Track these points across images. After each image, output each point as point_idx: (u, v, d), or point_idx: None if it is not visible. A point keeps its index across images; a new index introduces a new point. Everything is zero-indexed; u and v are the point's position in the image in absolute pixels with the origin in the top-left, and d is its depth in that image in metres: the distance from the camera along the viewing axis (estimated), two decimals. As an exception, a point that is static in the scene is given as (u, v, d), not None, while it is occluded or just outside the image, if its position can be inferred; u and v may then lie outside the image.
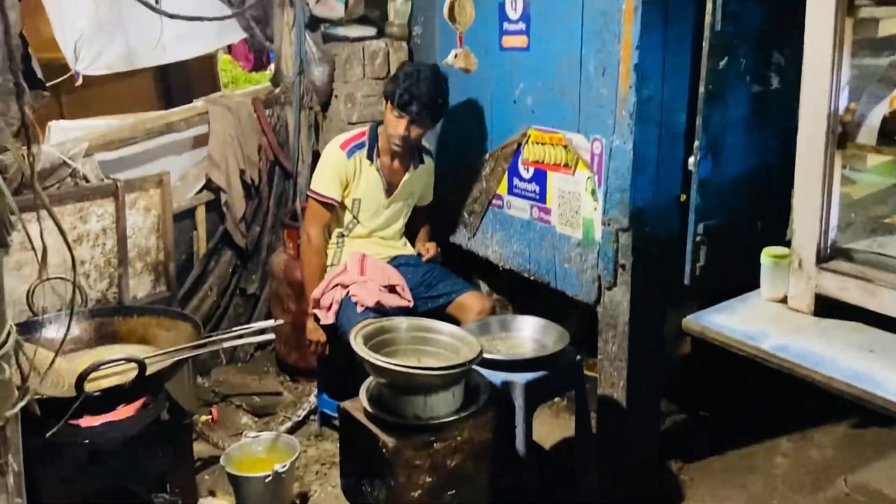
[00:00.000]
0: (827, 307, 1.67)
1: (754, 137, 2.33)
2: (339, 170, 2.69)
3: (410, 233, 2.98)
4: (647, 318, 2.40)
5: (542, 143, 2.61)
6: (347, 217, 2.79)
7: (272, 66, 3.41)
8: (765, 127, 2.34)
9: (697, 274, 2.28)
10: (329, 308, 2.62)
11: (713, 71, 2.15)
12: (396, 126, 2.61)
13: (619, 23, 2.23)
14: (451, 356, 1.98)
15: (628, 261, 2.33)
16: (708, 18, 2.09)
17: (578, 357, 2.30)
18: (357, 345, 1.90)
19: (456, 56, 2.54)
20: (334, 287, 2.65)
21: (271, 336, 2.33)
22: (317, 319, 2.67)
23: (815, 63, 1.61)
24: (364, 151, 2.72)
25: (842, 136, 1.61)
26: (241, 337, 2.26)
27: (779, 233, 2.02)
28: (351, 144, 2.72)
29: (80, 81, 2.85)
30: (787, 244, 1.78)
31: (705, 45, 2.12)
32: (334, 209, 2.75)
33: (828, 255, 1.66)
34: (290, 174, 3.30)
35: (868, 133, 1.54)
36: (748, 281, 1.94)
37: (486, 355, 2.01)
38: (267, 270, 3.29)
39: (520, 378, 2.10)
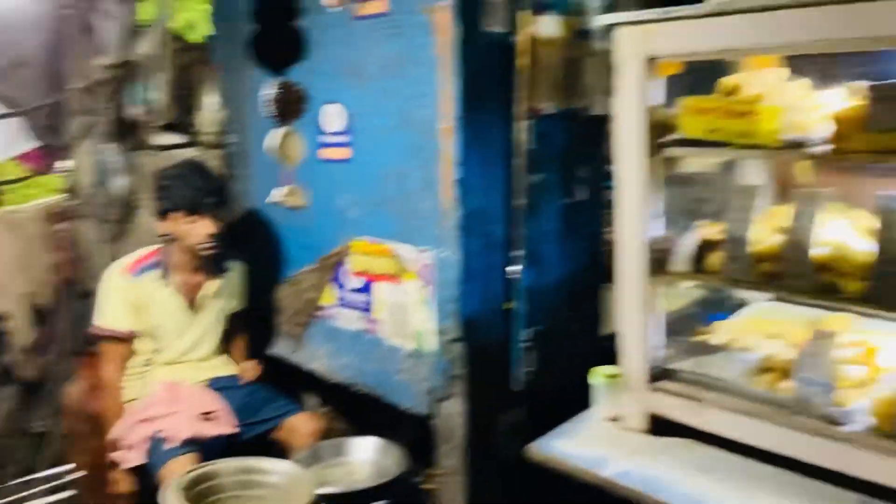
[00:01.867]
0: (659, 425, 1.76)
1: (567, 244, 2.48)
2: (126, 296, 2.43)
3: (228, 347, 2.76)
4: (481, 428, 2.40)
5: (369, 254, 2.57)
6: (148, 345, 2.52)
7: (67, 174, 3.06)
8: (575, 234, 2.50)
9: (526, 379, 2.34)
10: (133, 448, 2.32)
11: (527, 185, 2.26)
12: (197, 229, 2.42)
13: (439, 140, 2.28)
14: (283, 500, 1.82)
15: (461, 371, 2.33)
16: (521, 137, 2.20)
17: (418, 478, 2.23)
18: (170, 501, 1.68)
19: (287, 193, 2.44)
20: (141, 423, 2.35)
21: (66, 494, 2.00)
22: (121, 466, 2.35)
23: (629, 198, 1.74)
24: (156, 271, 2.48)
25: (658, 263, 1.73)
26: (28, 486, 1.90)
27: (596, 332, 2.15)
28: (141, 265, 2.48)
29: None
30: (606, 340, 1.87)
31: (520, 161, 2.22)
32: (131, 340, 2.47)
33: (656, 376, 1.76)
34: (87, 294, 2.94)
35: (680, 262, 1.67)
36: (575, 382, 2.01)
37: (321, 490, 1.87)
38: (60, 405, 2.86)
39: (359, 511, 1.99)
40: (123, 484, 2.37)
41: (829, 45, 1.40)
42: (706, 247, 1.72)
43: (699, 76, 1.72)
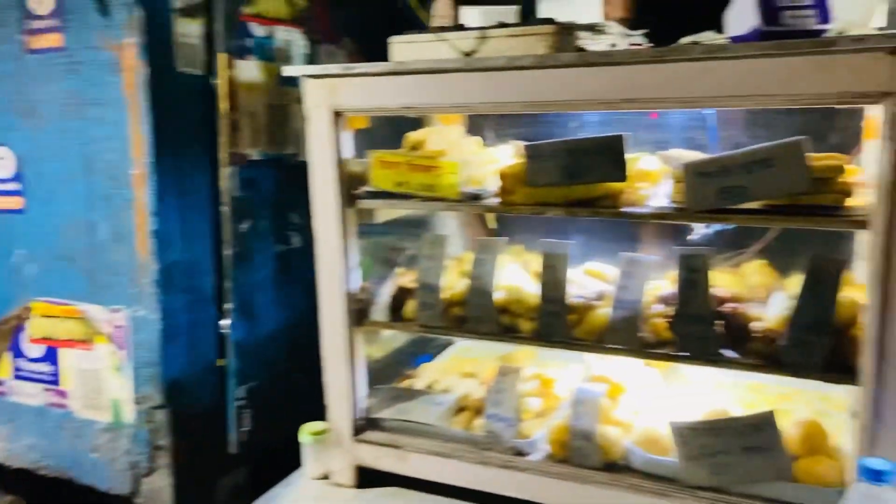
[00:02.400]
0: (369, 477, 1.75)
1: (283, 293, 2.40)
2: None
3: None
4: (195, 500, 2.21)
5: (52, 317, 2.25)
6: None
7: None
8: (291, 282, 2.43)
9: (244, 439, 2.20)
10: None
11: (237, 234, 2.15)
12: None
13: (131, 188, 2.08)
14: None
15: (167, 440, 2.12)
16: (226, 184, 2.10)
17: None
18: None
19: None
20: None
21: None
22: None
23: (327, 249, 1.73)
24: None
25: (359, 313, 1.73)
26: None
27: (317, 382, 2.10)
28: None
29: None
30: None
31: (226, 209, 2.11)
32: None
33: (362, 427, 1.75)
34: None
35: (380, 311, 1.69)
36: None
37: None
38: None
39: None
40: None
41: (493, 106, 1.53)
42: (403, 295, 1.77)
43: (391, 130, 1.78)
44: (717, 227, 1.87)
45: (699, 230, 1.82)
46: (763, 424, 1.45)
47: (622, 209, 1.52)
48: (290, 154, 2.36)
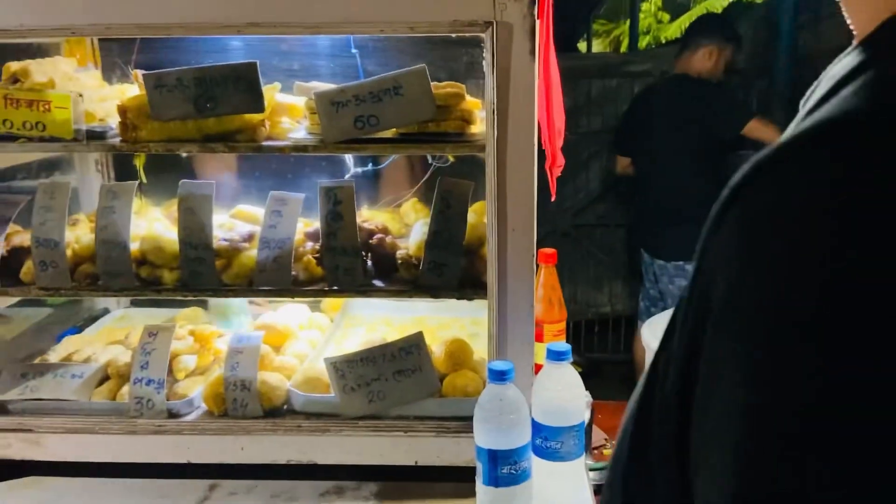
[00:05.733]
0: (3, 469, 1.50)
1: None
2: None
3: None
4: None
5: None
6: None
7: None
8: None
9: None
10: None
11: None
12: None
13: None
14: None
15: None
16: None
17: None
18: None
19: None
20: None
21: None
22: None
23: None
24: None
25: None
26: None
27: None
28: None
29: None
30: None
31: None
32: None
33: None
34: None
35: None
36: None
37: None
38: None
39: None
40: None
41: (101, 29, 1.36)
42: (19, 254, 1.52)
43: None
44: (369, 166, 1.90)
45: (350, 169, 1.83)
46: (411, 347, 1.50)
47: (261, 143, 1.46)
48: None
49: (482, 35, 1.37)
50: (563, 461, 1.42)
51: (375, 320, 1.92)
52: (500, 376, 1.32)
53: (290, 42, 1.71)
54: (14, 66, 1.45)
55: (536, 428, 1.39)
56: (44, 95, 1.39)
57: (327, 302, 1.96)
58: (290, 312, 1.79)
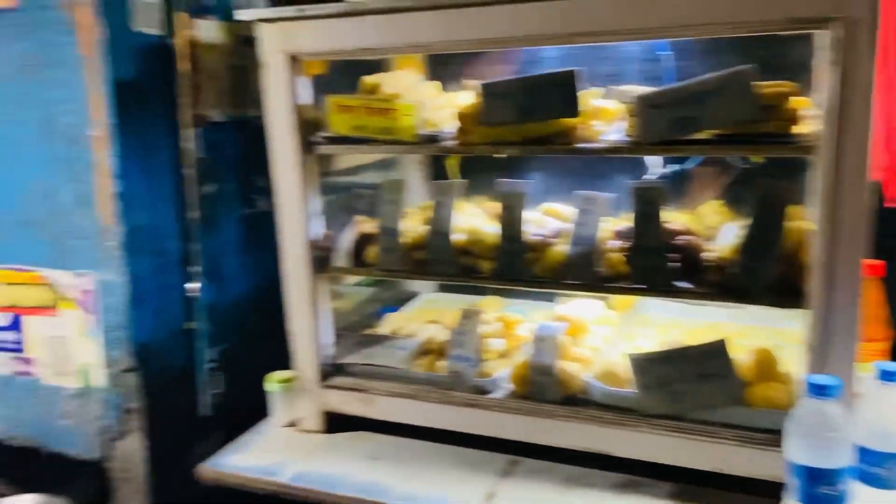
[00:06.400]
0: (337, 422, 1.77)
1: (250, 257, 2.40)
2: None
3: None
4: (167, 463, 2.21)
5: (15, 284, 2.23)
6: None
7: None
8: (259, 246, 2.43)
9: (216, 402, 2.21)
10: None
11: (202, 197, 2.15)
12: None
13: (92, 150, 2.07)
14: None
15: (138, 403, 2.12)
16: (189, 146, 2.09)
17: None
18: None
19: None
20: None
21: None
22: None
23: (287, 196, 1.73)
24: None
25: (321, 260, 1.74)
26: None
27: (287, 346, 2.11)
28: None
29: None
30: None
31: (191, 172, 2.11)
32: None
33: (328, 373, 1.77)
34: None
35: (342, 257, 1.70)
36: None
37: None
38: None
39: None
40: None
41: (447, 45, 1.54)
42: (364, 241, 1.78)
43: (348, 77, 1.78)
44: (674, 168, 1.89)
45: (656, 170, 1.85)
46: (716, 352, 1.49)
47: (576, 145, 1.54)
48: (253, 116, 2.34)
49: (818, 31, 1.31)
50: (888, 489, 1.31)
51: (666, 322, 1.92)
52: (821, 391, 1.25)
53: (603, 48, 1.78)
54: (368, 80, 1.71)
55: (858, 451, 1.30)
56: (393, 104, 1.62)
57: (615, 299, 2.00)
58: (583, 307, 1.86)
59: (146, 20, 2.04)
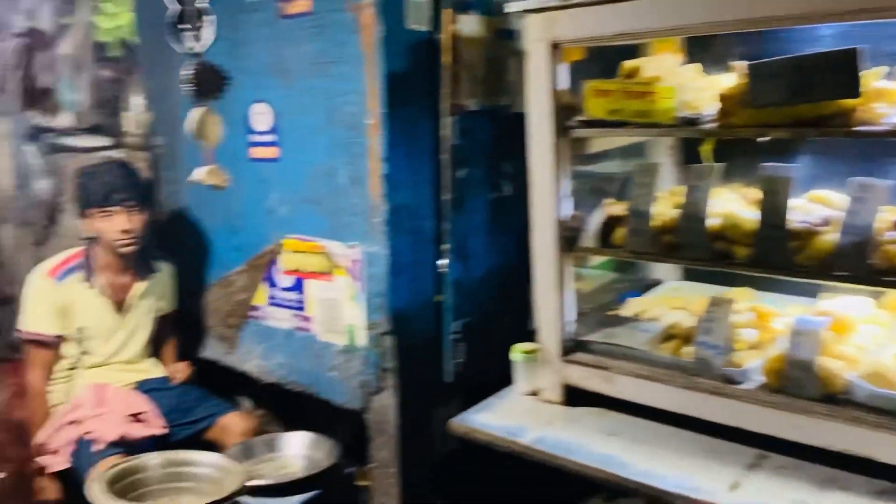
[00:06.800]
0: (574, 396, 1.83)
1: (494, 239, 2.55)
2: (50, 300, 2.41)
3: (157, 349, 2.73)
4: (415, 420, 2.43)
5: (300, 252, 2.59)
6: (74, 349, 2.49)
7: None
8: (502, 229, 2.57)
9: (458, 370, 2.38)
10: (59, 451, 2.28)
11: (454, 180, 2.32)
12: (112, 225, 2.41)
13: (366, 136, 2.33)
14: (213, 490, 1.82)
15: (392, 364, 2.36)
16: (446, 133, 2.27)
17: (351, 469, 2.25)
18: (95, 494, 1.66)
19: (208, 173, 2.44)
20: (67, 426, 2.31)
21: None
22: (46, 471, 2.30)
23: (540, 177, 1.83)
24: (80, 274, 2.47)
25: (569, 240, 1.82)
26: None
27: (524, 324, 2.22)
28: (63, 268, 2.46)
29: None
30: (533, 334, 1.95)
31: (446, 157, 2.29)
32: (57, 345, 2.44)
33: (570, 348, 1.84)
34: (9, 300, 2.88)
35: (589, 237, 1.76)
36: (507, 372, 2.07)
37: (251, 482, 1.87)
38: (-19, 413, 2.78)
39: (291, 501, 1.99)
40: (49, 490, 2.33)
41: (712, 26, 1.52)
42: (612, 223, 1.82)
43: (604, 63, 1.83)
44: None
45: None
46: None
47: (855, 128, 1.45)
48: (504, 105, 2.48)
49: None
50: None
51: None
52: None
53: (887, 25, 1.64)
54: (628, 64, 1.74)
55: None
56: (652, 87, 1.63)
57: (888, 298, 1.83)
58: (850, 304, 1.73)
59: (417, 18, 2.25)
